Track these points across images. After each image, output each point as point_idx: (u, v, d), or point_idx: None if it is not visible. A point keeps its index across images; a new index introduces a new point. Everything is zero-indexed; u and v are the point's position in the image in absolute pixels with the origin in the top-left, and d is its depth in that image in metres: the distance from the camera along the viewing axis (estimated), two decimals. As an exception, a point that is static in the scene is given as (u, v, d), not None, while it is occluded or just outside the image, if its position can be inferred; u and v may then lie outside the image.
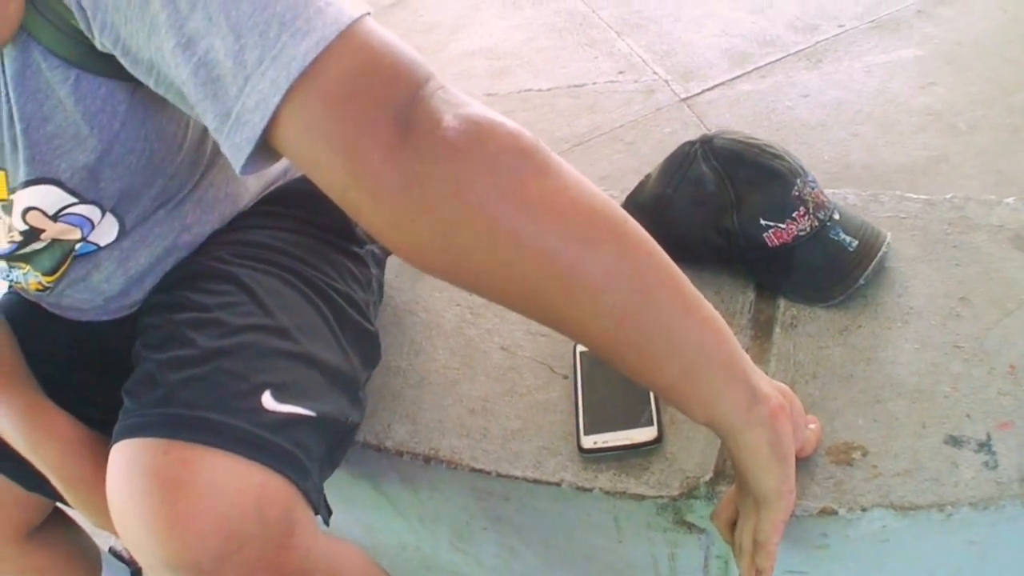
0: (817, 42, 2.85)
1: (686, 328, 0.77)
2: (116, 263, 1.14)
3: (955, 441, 1.05)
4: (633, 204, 1.34)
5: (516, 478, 1.12)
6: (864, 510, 1.02)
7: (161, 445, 0.87)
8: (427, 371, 1.31)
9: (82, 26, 0.81)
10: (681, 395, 0.80)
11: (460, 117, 0.72)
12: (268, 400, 0.94)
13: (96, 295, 1.18)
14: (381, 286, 1.37)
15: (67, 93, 0.89)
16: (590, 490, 1.11)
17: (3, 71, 0.89)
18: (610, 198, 0.77)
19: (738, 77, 2.71)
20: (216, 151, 1.14)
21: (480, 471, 1.17)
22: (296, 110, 0.71)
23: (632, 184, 1.44)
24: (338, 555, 1.07)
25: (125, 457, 0.89)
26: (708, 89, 2.64)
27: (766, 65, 2.76)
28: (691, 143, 1.28)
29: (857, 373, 1.15)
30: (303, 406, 0.97)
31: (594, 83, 2.74)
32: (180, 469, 0.85)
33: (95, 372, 1.25)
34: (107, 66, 0.86)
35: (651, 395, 1.13)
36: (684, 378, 0.78)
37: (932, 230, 1.30)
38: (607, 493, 1.10)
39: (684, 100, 2.60)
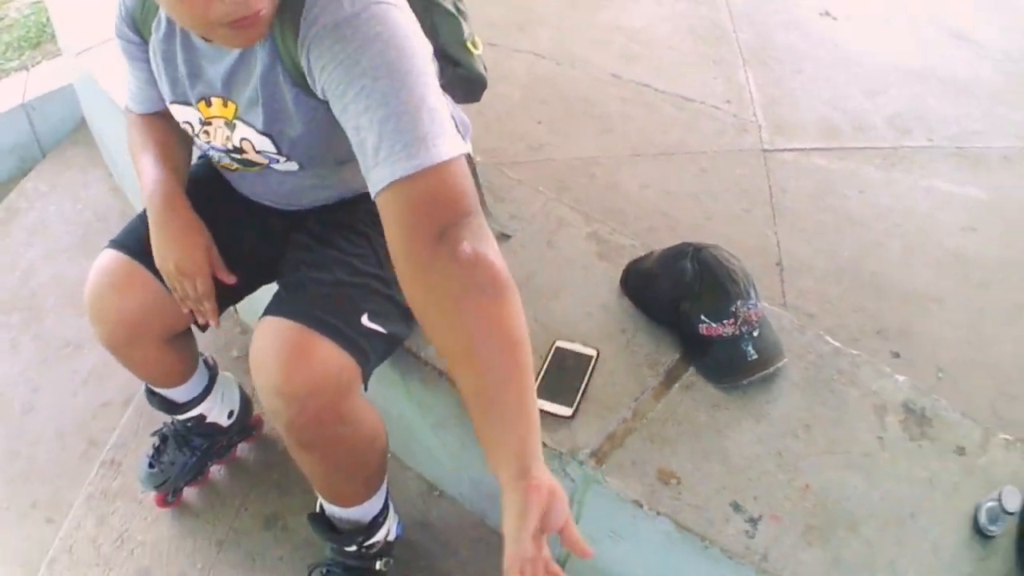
0: (902, 146, 3.00)
1: (516, 407, 1.16)
2: (290, 180, 1.72)
3: (737, 507, 1.58)
4: (635, 268, 1.89)
5: None
6: (658, 513, 1.59)
7: (297, 327, 1.50)
8: None
9: (306, 73, 1.39)
10: (486, 440, 1.17)
11: (472, 248, 1.18)
12: (365, 319, 1.57)
13: (268, 190, 1.81)
14: None
15: (291, 98, 1.46)
16: None
17: (258, 60, 1.45)
18: (523, 329, 1.21)
19: (818, 149, 2.87)
20: None
21: None
22: (393, 195, 1.23)
23: (682, 210, 2.08)
24: (367, 411, 1.66)
25: (273, 326, 1.52)
26: (789, 149, 2.82)
27: (848, 149, 2.91)
28: (689, 244, 1.81)
29: (705, 434, 1.67)
30: (382, 327, 1.59)
31: (702, 102, 2.97)
32: (304, 343, 1.48)
33: (250, 235, 1.86)
34: (317, 95, 1.41)
35: (580, 391, 1.70)
36: (495, 432, 1.17)
37: (824, 370, 1.77)
38: None
39: (765, 151, 2.79)
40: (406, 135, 1.24)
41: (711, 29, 3.37)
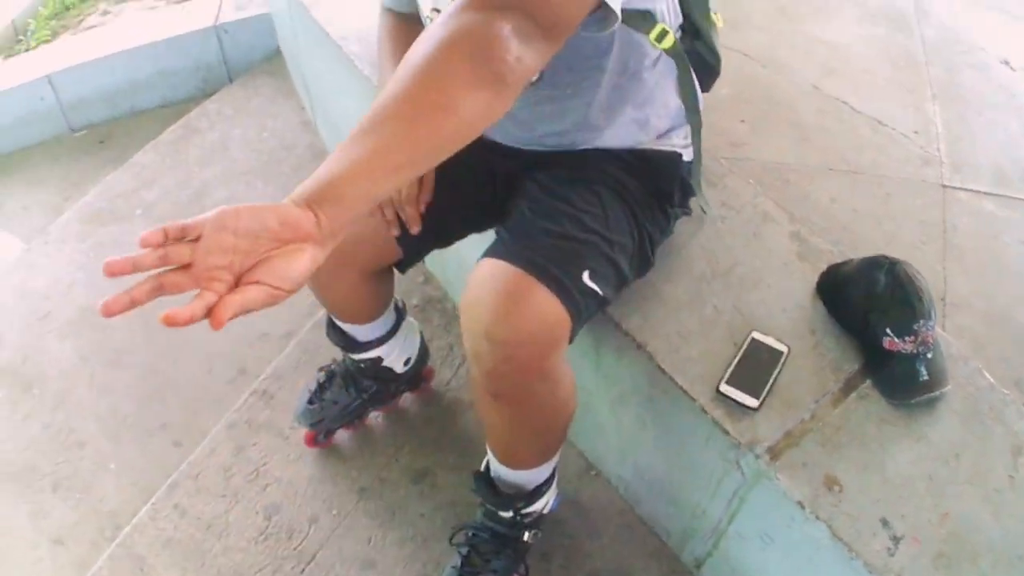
0: (1081, 205, 2.93)
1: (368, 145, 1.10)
2: (527, 98, 1.59)
3: (885, 523, 1.54)
4: (833, 272, 1.86)
5: (676, 384, 1.72)
6: (817, 518, 1.58)
7: (518, 272, 1.46)
8: (671, 300, 1.86)
9: None
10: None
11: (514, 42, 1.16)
12: (586, 276, 1.52)
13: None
14: (671, 233, 1.90)
15: None
16: (706, 413, 1.68)
17: None
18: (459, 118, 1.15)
19: (990, 194, 2.85)
20: (630, 88, 1.67)
21: (659, 368, 1.74)
22: None
23: (864, 230, 2.22)
24: (567, 372, 1.63)
25: (493, 268, 1.48)
26: (964, 189, 2.80)
27: (1016, 199, 2.88)
28: (885, 257, 1.78)
29: (871, 447, 1.64)
30: (600, 288, 1.55)
31: (893, 128, 2.97)
32: (523, 289, 1.44)
33: (472, 179, 1.83)
34: None
35: (768, 385, 1.69)
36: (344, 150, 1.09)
37: (979, 403, 1.73)
38: (713, 421, 1.67)
39: (944, 186, 2.80)
40: None
41: (904, 57, 3.38)
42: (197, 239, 1.01)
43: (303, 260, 1.05)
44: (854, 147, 2.76)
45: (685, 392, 1.67)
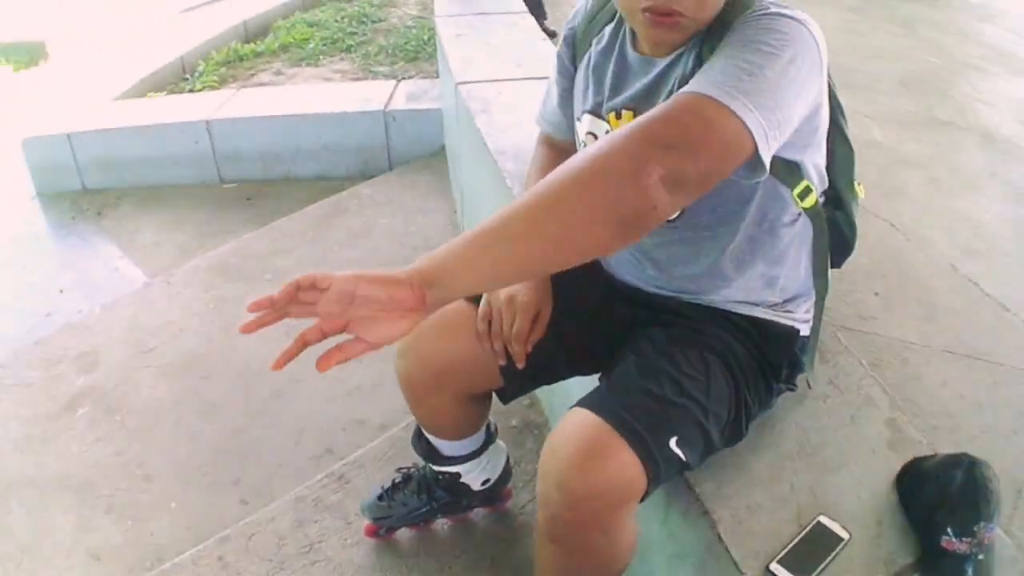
0: None
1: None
2: (663, 237, 1.74)
3: None
4: (915, 464, 1.93)
5: (729, 555, 1.72)
6: None
7: (606, 427, 1.52)
8: (750, 472, 1.88)
9: None
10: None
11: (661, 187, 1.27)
12: (673, 442, 1.57)
13: (632, 255, 1.87)
14: (771, 407, 1.96)
15: None
16: None
17: (678, 72, 1.58)
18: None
19: None
20: (765, 241, 1.74)
21: (718, 536, 1.76)
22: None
23: (966, 416, 2.28)
24: (629, 530, 1.67)
25: (583, 418, 1.56)
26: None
27: None
28: (967, 456, 1.86)
29: None
30: (685, 455, 1.59)
31: (1015, 314, 2.95)
32: (607, 445, 1.51)
33: (592, 323, 1.92)
34: None
35: (819, 569, 1.70)
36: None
37: None
38: None
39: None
40: (714, 74, 1.35)
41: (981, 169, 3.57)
42: (325, 289, 1.32)
43: (400, 327, 1.32)
44: (975, 331, 2.80)
45: (736, 564, 1.74)
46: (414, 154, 4.90)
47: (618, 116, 1.71)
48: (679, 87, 1.54)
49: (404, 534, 2.47)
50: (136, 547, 2.63)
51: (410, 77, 5.75)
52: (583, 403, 1.63)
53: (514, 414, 2.84)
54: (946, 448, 1.97)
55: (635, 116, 1.65)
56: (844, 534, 1.78)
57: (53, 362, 3.44)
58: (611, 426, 1.54)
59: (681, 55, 1.61)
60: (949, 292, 2.98)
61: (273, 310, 1.36)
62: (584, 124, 1.81)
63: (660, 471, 1.58)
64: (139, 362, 3.39)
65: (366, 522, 2.45)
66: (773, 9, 1.46)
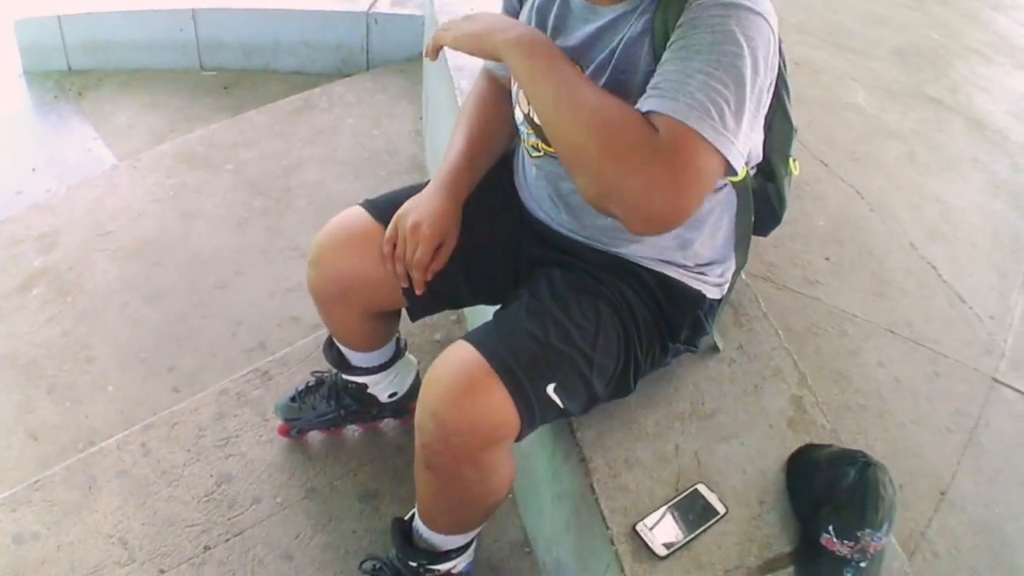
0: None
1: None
2: (577, 195, 1.76)
3: None
4: (807, 451, 1.94)
5: (599, 507, 1.79)
6: None
7: (484, 365, 1.58)
8: (636, 426, 1.94)
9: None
10: None
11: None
12: (550, 388, 1.63)
13: (547, 193, 1.91)
14: (664, 366, 2.01)
15: (643, 73, 1.54)
16: (613, 545, 1.72)
17: (628, 27, 1.58)
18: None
19: None
20: None
21: (591, 486, 1.83)
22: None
23: (897, 402, 2.34)
24: (503, 467, 1.76)
25: (464, 352, 1.63)
26: (1014, 388, 2.78)
27: None
28: (863, 455, 1.84)
29: None
30: (562, 401, 1.65)
31: (969, 308, 3.01)
32: (482, 382, 1.58)
33: (501, 257, 2.00)
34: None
35: (686, 538, 1.74)
36: None
37: None
38: (616, 555, 1.72)
39: (995, 380, 2.78)
40: (697, 94, 1.40)
41: (1011, 241, 3.45)
42: None
43: None
44: (924, 316, 2.85)
45: (603, 518, 1.78)
46: (392, 58, 4.93)
47: None
48: (622, 46, 1.59)
49: (315, 437, 2.60)
50: (70, 429, 2.76)
51: (397, -21, 5.74)
52: (468, 337, 1.70)
53: (439, 328, 2.94)
54: (869, 432, 2.04)
55: (574, 64, 1.65)
56: (720, 508, 1.80)
57: (15, 241, 3.54)
58: (490, 365, 1.60)
59: (628, 13, 1.62)
60: (904, 271, 3.03)
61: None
62: None
63: (535, 414, 1.64)
64: (96, 244, 3.49)
65: (279, 422, 2.57)
66: None
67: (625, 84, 1.59)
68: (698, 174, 1.41)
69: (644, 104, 1.43)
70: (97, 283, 3.30)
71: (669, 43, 1.48)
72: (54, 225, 3.62)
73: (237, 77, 4.97)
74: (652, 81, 1.46)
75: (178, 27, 4.97)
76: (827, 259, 2.90)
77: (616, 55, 1.60)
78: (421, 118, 4.25)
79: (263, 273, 3.33)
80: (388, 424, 2.63)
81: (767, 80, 1.49)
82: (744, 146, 1.44)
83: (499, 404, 1.59)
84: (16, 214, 3.77)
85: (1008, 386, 2.78)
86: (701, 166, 1.40)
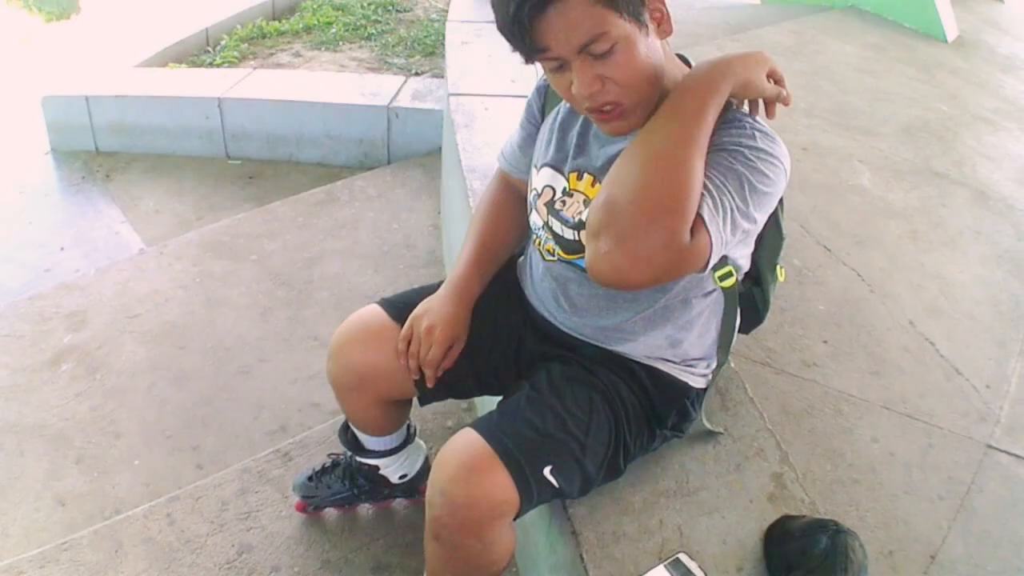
0: None
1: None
2: (583, 297, 2.00)
3: None
4: (783, 522, 2.09)
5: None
6: None
7: (488, 449, 1.79)
8: (624, 502, 2.09)
9: None
10: None
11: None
12: (547, 470, 1.82)
13: (554, 296, 2.07)
14: (653, 451, 2.20)
15: None
16: None
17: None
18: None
19: None
20: (677, 309, 1.95)
21: (580, 556, 1.95)
22: None
23: (889, 474, 2.37)
24: (505, 541, 1.92)
25: (470, 438, 1.82)
26: (1008, 452, 2.79)
27: None
28: (835, 523, 2.00)
29: None
30: (559, 482, 1.84)
31: (966, 380, 3.02)
32: (485, 464, 1.78)
33: (504, 351, 2.20)
34: None
35: None
36: None
37: None
38: None
39: (989, 446, 2.81)
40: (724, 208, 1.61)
41: (1012, 308, 3.51)
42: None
43: None
44: (919, 392, 2.90)
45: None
46: (412, 151, 5.23)
47: (579, 177, 1.93)
48: None
49: (331, 513, 2.79)
50: (98, 497, 2.95)
51: (423, 72, 6.07)
52: (474, 424, 1.89)
53: (451, 415, 3.16)
54: (860, 504, 2.13)
55: (594, 182, 1.89)
56: (700, 574, 1.94)
57: (45, 318, 3.79)
58: (492, 448, 1.80)
59: None
60: (901, 349, 3.07)
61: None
62: (543, 176, 2.02)
63: (532, 494, 1.83)
64: (124, 326, 3.73)
65: (297, 499, 2.77)
66: (748, 117, 1.74)
67: None
68: (694, 259, 1.60)
69: None
70: (125, 363, 3.53)
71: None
72: (83, 304, 3.87)
73: (261, 167, 5.29)
74: None
75: (204, 115, 5.29)
76: (825, 342, 2.97)
77: None
78: (439, 212, 4.52)
79: (285, 361, 3.55)
80: (399, 503, 2.83)
81: (771, 209, 1.73)
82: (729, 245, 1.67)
83: (500, 483, 1.78)
84: (45, 291, 4.03)
85: (1003, 451, 2.84)
86: (699, 255, 1.60)
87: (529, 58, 1.68)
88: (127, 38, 6.53)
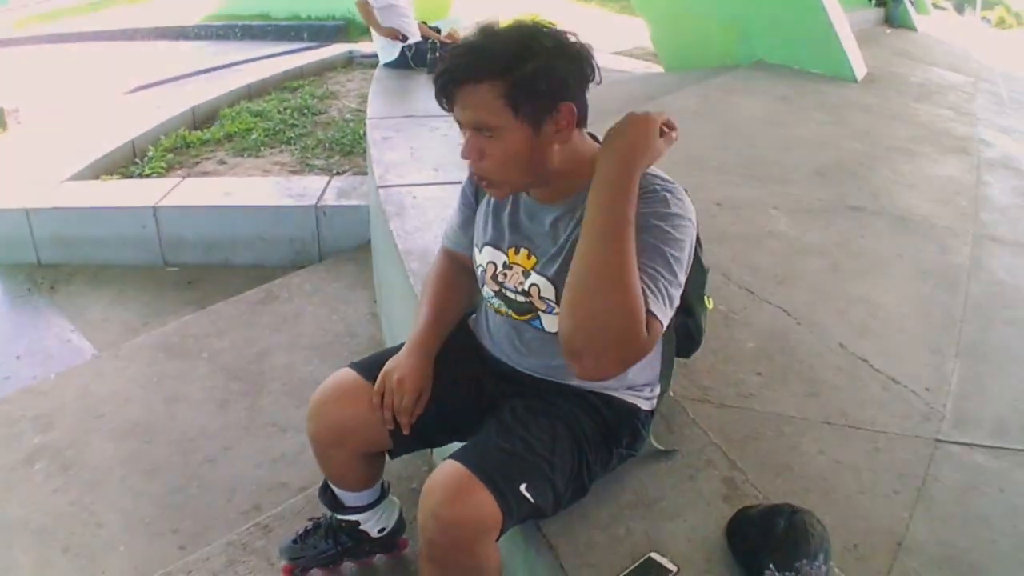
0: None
1: None
2: (540, 337, 2.26)
3: None
4: (742, 513, 2.27)
5: None
6: None
7: (467, 473, 1.98)
8: (592, 517, 2.25)
9: None
10: None
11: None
12: (523, 487, 2.02)
13: (513, 340, 2.35)
14: (613, 469, 2.44)
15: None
16: None
17: (571, 227, 2.09)
18: None
19: (982, 446, 2.93)
20: None
21: (561, 566, 2.13)
22: None
23: (841, 480, 2.49)
24: (492, 558, 2.07)
25: (451, 467, 2.02)
26: (958, 443, 2.91)
27: (1007, 449, 2.95)
28: (789, 506, 2.17)
29: None
30: (535, 498, 2.04)
31: (905, 386, 3.14)
32: (468, 486, 1.97)
33: (464, 400, 2.43)
34: None
35: None
36: None
37: None
38: None
39: (938, 440, 2.92)
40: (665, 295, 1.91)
41: (942, 318, 3.70)
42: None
43: None
44: (859, 404, 3.02)
45: None
46: (342, 246, 5.57)
47: (516, 252, 2.24)
48: (576, 235, 2.00)
49: (316, 574, 3.00)
50: None
51: (344, 172, 6.45)
52: (452, 456, 2.10)
53: (415, 478, 3.41)
54: (816, 509, 2.23)
55: (529, 255, 2.21)
56: (672, 567, 2.12)
57: (13, 420, 4.03)
58: (472, 472, 2.01)
59: (574, 207, 2.11)
60: (835, 369, 3.19)
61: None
62: (485, 254, 2.32)
63: (512, 509, 2.02)
64: (90, 425, 3.98)
65: (283, 563, 2.98)
66: (659, 180, 2.03)
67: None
68: (651, 345, 1.89)
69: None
70: (96, 458, 3.77)
71: None
72: (48, 407, 4.12)
73: (199, 272, 5.57)
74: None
75: (141, 224, 5.58)
76: (759, 374, 3.08)
77: (565, 251, 2.12)
78: (375, 301, 4.83)
79: (248, 447, 3.82)
80: (379, 559, 3.05)
81: (690, 261, 2.03)
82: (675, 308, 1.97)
83: (483, 502, 1.98)
84: (9, 396, 4.27)
85: (952, 442, 2.94)
86: (654, 340, 1.89)
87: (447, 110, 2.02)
88: (56, 153, 6.82)
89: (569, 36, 2.00)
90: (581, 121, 2.06)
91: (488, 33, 1.99)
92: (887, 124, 5.97)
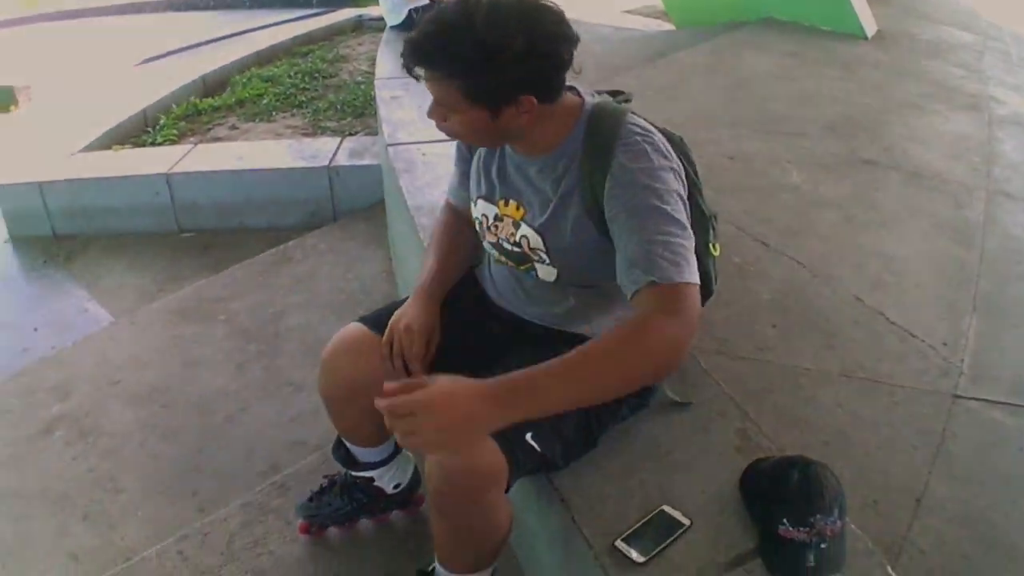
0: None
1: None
2: (540, 286, 2.27)
3: None
4: (755, 466, 2.26)
5: (582, 533, 2.07)
6: None
7: None
8: (604, 469, 2.24)
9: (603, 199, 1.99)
10: None
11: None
12: (528, 436, 2.03)
13: (516, 289, 2.37)
14: (622, 420, 2.42)
15: (572, 217, 2.07)
16: (597, 560, 2.01)
17: (563, 181, 2.09)
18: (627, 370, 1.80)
19: (1001, 403, 2.95)
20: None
21: (572, 519, 2.13)
22: (642, 296, 1.84)
23: (860, 434, 2.53)
24: (502, 507, 2.13)
25: None
26: (977, 399, 2.92)
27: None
28: (801, 457, 2.16)
29: None
30: (541, 447, 2.06)
31: (922, 340, 3.16)
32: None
33: (471, 329, 2.45)
34: (597, 219, 2.03)
35: (660, 547, 2.02)
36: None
37: None
38: (602, 568, 2.00)
39: (956, 396, 2.91)
40: (665, 252, 1.87)
41: (957, 272, 3.68)
42: None
43: None
44: (876, 357, 3.02)
45: (586, 540, 2.08)
46: (356, 206, 5.54)
47: (506, 203, 2.24)
48: (562, 188, 2.10)
49: (334, 533, 3.01)
50: (109, 548, 3.15)
51: (355, 133, 6.37)
52: None
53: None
54: (834, 463, 2.19)
55: (519, 206, 2.21)
56: (685, 521, 2.10)
57: (31, 391, 4.02)
58: None
59: (555, 161, 2.12)
60: (852, 322, 3.19)
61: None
62: (479, 207, 2.33)
63: (518, 458, 2.03)
64: (108, 392, 3.98)
65: (299, 521, 3.00)
66: (638, 132, 2.02)
67: (559, 226, 2.13)
68: (697, 308, 1.86)
69: (634, 282, 1.88)
70: (114, 425, 3.77)
71: (608, 201, 1.99)
72: (66, 376, 4.11)
73: (214, 237, 5.56)
74: (624, 254, 1.93)
75: (154, 191, 5.57)
76: (774, 326, 3.08)
77: (553, 205, 2.13)
78: (390, 259, 4.83)
79: (266, 407, 3.81)
80: (396, 515, 3.03)
81: (683, 190, 2.02)
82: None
83: (489, 451, 1.98)
84: (28, 368, 4.27)
85: (970, 398, 2.94)
86: (697, 302, 1.87)
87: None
88: (68, 125, 6.78)
89: (550, 25, 1.94)
90: (550, 100, 2.04)
91: (463, 14, 1.90)
92: (898, 80, 5.92)
